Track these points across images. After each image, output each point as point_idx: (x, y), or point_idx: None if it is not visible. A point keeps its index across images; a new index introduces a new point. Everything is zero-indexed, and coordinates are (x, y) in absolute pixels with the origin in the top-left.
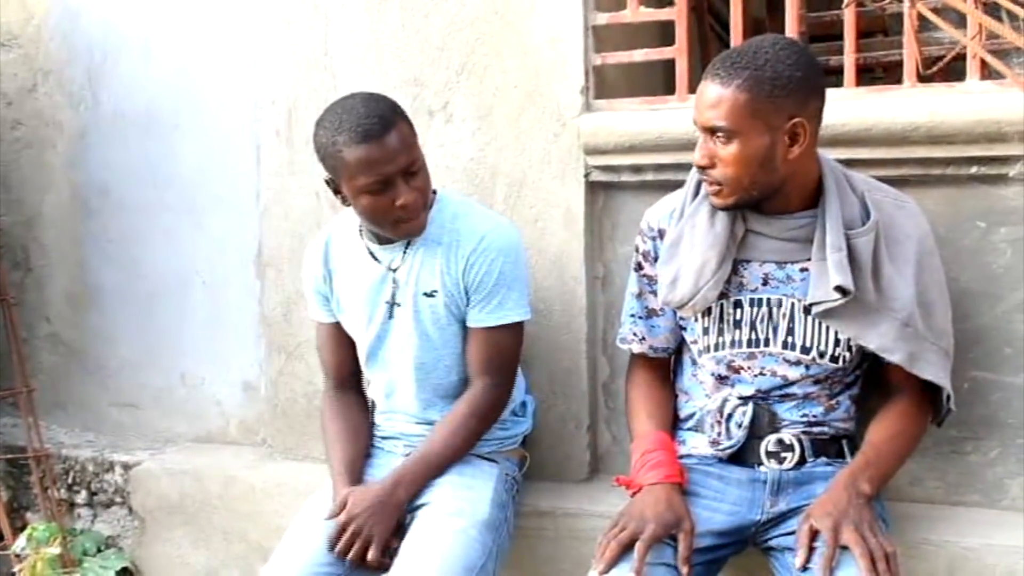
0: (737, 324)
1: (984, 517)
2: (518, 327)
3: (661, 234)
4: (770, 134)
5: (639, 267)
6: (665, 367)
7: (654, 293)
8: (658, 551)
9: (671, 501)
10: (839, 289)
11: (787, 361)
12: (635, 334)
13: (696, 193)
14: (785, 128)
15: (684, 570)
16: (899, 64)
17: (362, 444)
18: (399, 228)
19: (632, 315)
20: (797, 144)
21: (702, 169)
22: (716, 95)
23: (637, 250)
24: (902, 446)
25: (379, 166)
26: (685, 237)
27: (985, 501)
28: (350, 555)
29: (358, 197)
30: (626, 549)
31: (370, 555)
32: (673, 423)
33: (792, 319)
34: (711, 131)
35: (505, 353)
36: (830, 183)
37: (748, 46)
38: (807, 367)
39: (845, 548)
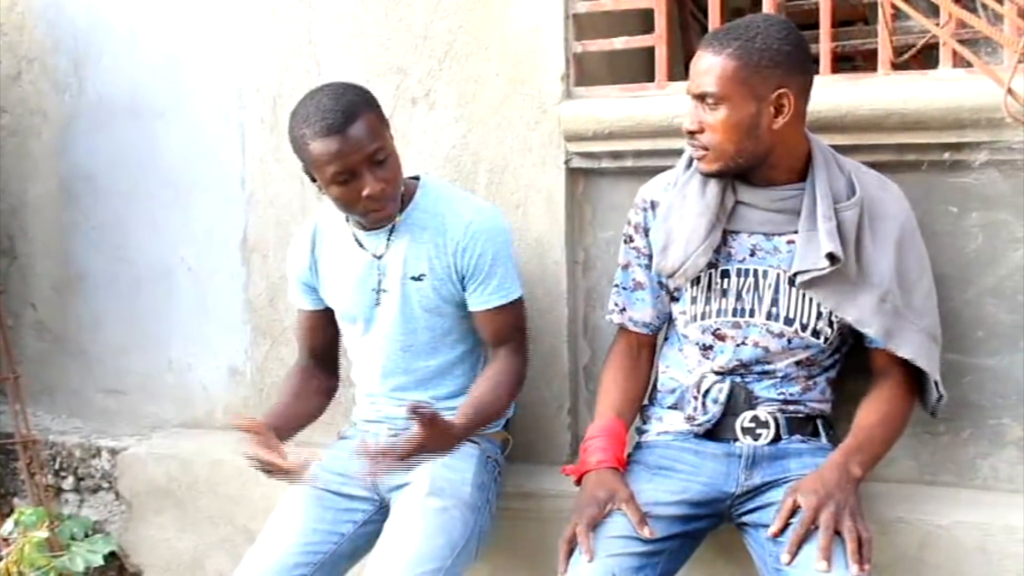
0: (724, 293)
1: (956, 496)
2: (519, 301)
3: (653, 205)
4: (756, 103)
5: (629, 239)
6: (646, 345)
7: (640, 265)
8: (620, 526)
9: (603, 481)
10: (830, 256)
11: (770, 332)
12: (617, 304)
13: (689, 165)
14: (771, 98)
15: (645, 532)
16: (877, 52)
17: (297, 408)
18: (368, 217)
19: (617, 285)
20: (781, 115)
21: (691, 135)
22: (708, 63)
23: (629, 223)
24: (891, 429)
25: (342, 158)
26: (676, 206)
27: (957, 481)
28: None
29: (328, 187)
30: (575, 543)
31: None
32: (650, 400)
33: (777, 290)
34: (701, 97)
35: (516, 323)
36: (819, 158)
37: (742, 21)
38: (789, 340)
39: (816, 528)
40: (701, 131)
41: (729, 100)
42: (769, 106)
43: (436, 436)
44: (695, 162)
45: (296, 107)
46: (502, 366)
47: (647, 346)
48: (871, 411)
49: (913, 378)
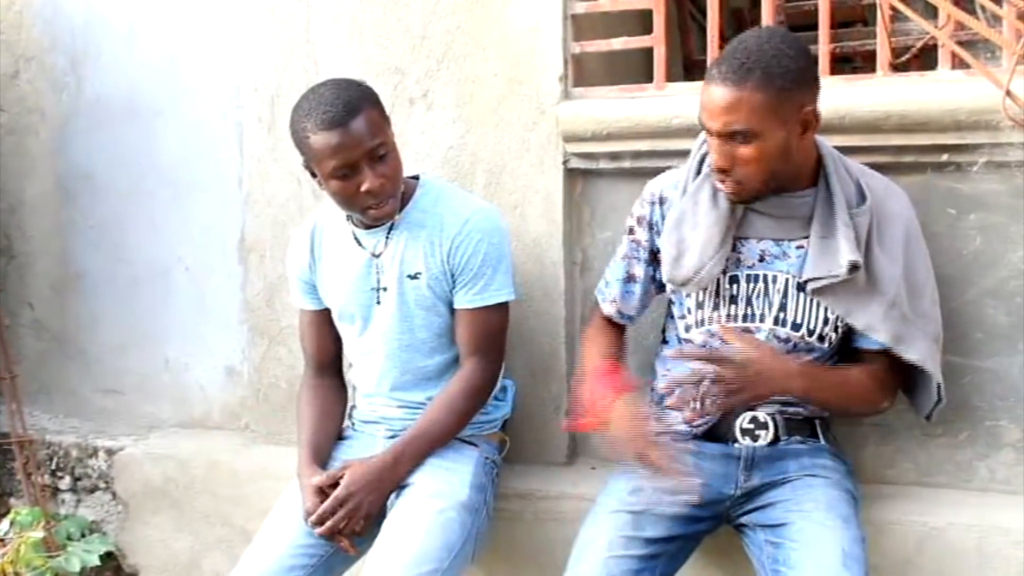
0: (733, 299)
1: (953, 498)
2: (504, 307)
3: (662, 201)
4: (785, 128)
5: (631, 231)
6: (621, 331)
7: (637, 259)
8: (625, 525)
9: (632, 409)
10: (851, 264)
11: (777, 338)
12: (607, 294)
13: (699, 172)
14: (798, 118)
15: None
16: (876, 54)
17: (332, 429)
18: (368, 214)
19: (612, 276)
20: (809, 130)
21: (722, 171)
22: (731, 98)
23: (632, 215)
24: (848, 382)
25: (343, 152)
26: (688, 215)
27: (954, 482)
28: (336, 530)
29: (328, 181)
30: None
31: (358, 527)
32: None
33: (785, 295)
34: (729, 135)
35: (493, 333)
36: (830, 164)
37: (749, 44)
38: (795, 345)
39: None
40: (732, 167)
41: (762, 133)
42: (797, 126)
43: (364, 483)
44: (705, 167)
45: (298, 101)
46: (462, 386)
47: (622, 331)
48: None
49: (894, 378)
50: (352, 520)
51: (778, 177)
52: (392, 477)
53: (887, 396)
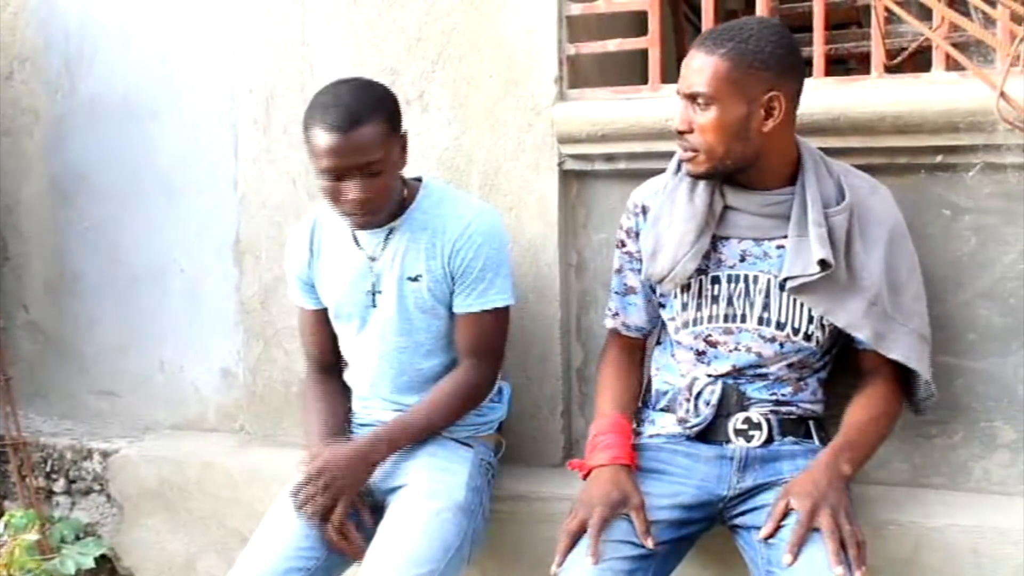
0: (715, 299)
1: (949, 499)
2: (504, 312)
3: (644, 211)
4: (747, 105)
5: (621, 244)
6: (639, 348)
7: (633, 270)
8: (616, 529)
9: (617, 481)
10: (822, 263)
11: (762, 337)
12: (611, 309)
13: (678, 170)
14: (762, 101)
15: (648, 543)
16: (870, 55)
17: (339, 426)
18: (350, 219)
19: (612, 290)
20: (772, 118)
21: (680, 135)
22: (701, 62)
23: (621, 227)
24: (881, 428)
25: (335, 158)
26: (665, 212)
27: (950, 483)
28: (313, 509)
29: (319, 177)
30: (578, 537)
31: (336, 512)
32: (643, 403)
33: (768, 295)
34: (692, 97)
35: (491, 336)
36: (808, 163)
37: (736, 22)
38: (781, 344)
39: (815, 530)
40: (690, 131)
41: (720, 101)
42: (759, 108)
43: (341, 460)
44: (684, 166)
45: (323, 88)
46: (455, 384)
47: (640, 349)
48: (861, 410)
49: (901, 378)
50: (323, 497)
51: (734, 156)
52: (367, 461)
53: (901, 399)
